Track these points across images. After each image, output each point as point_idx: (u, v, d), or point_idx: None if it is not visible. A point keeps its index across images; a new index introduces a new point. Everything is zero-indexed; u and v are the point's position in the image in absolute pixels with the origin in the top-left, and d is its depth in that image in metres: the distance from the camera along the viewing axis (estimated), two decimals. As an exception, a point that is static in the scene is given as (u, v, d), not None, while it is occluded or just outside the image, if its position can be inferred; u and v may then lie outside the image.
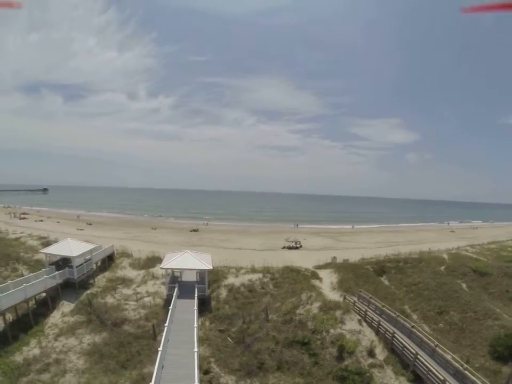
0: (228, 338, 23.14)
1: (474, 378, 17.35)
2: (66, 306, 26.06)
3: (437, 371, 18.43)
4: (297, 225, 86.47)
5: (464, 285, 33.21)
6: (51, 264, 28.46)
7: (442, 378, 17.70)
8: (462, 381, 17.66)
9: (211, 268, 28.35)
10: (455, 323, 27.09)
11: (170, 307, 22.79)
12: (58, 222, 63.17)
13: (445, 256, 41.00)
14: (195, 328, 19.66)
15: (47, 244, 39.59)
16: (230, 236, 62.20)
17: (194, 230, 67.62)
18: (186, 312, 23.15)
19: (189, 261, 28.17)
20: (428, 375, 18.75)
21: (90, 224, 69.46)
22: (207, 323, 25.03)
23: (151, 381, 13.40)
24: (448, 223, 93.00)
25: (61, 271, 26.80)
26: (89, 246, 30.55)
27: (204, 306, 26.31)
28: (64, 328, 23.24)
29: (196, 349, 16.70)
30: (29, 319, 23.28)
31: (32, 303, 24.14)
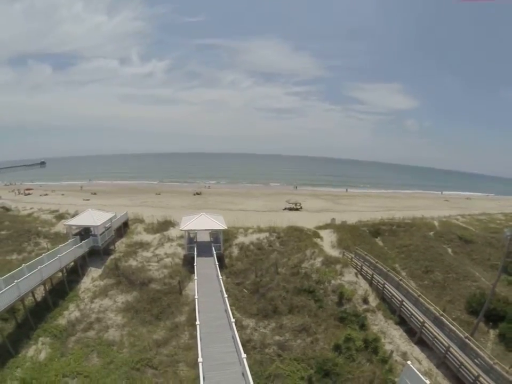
0: (244, 290, 26.27)
1: (449, 324, 21.00)
2: (94, 272, 28.75)
3: (418, 315, 22.31)
4: (296, 187, 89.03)
5: (449, 250, 36.13)
6: (75, 235, 30.77)
7: (421, 320, 21.64)
8: (440, 325, 21.33)
9: (226, 227, 31.32)
10: (438, 281, 29.99)
11: (195, 263, 25.82)
12: (63, 195, 64.63)
13: (436, 223, 44.07)
14: (220, 279, 22.99)
15: (60, 216, 41.87)
16: (233, 199, 64.73)
17: (198, 194, 69.87)
18: (207, 268, 26.21)
19: (205, 222, 31.12)
20: (411, 318, 22.69)
21: (94, 193, 71.17)
22: (224, 277, 27.84)
23: (195, 321, 16.60)
24: (442, 192, 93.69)
25: (86, 240, 29.17)
26: (109, 215, 32.86)
27: (219, 262, 29.16)
28: (97, 291, 25.98)
29: (225, 295, 20.23)
30: (64, 287, 25.72)
31: (64, 272, 26.61)
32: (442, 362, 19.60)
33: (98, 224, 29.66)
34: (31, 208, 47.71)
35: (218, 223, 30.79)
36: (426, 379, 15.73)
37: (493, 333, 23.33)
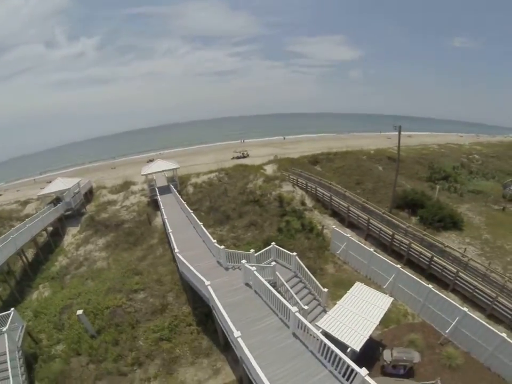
0: (201, 212, 31.99)
1: (369, 206, 27.98)
2: (73, 230, 32.82)
3: (345, 204, 29.21)
4: (243, 141, 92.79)
5: (380, 167, 43.34)
6: (48, 204, 34.43)
7: (347, 205, 28.79)
8: (363, 210, 28.17)
9: (179, 166, 37.10)
10: (368, 189, 36.52)
11: (159, 200, 30.91)
12: (18, 190, 64.65)
13: (371, 151, 51.03)
14: (182, 202, 28.44)
15: (25, 202, 43.96)
16: (184, 158, 68.63)
17: (151, 160, 72.37)
18: (169, 201, 31.34)
19: (161, 165, 36.58)
20: (339, 207, 29.86)
21: (49, 182, 71.57)
22: (183, 207, 33.55)
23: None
24: (380, 132, 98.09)
25: (61, 203, 33.14)
26: (76, 180, 36.98)
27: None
28: (80, 241, 30.27)
29: (189, 210, 25.85)
30: (50, 247, 29.76)
31: (47, 235, 30.55)
32: (367, 234, 26.75)
33: (70, 186, 33.68)
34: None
35: (173, 164, 36.64)
36: (346, 234, 23.00)
37: (414, 220, 30.19)
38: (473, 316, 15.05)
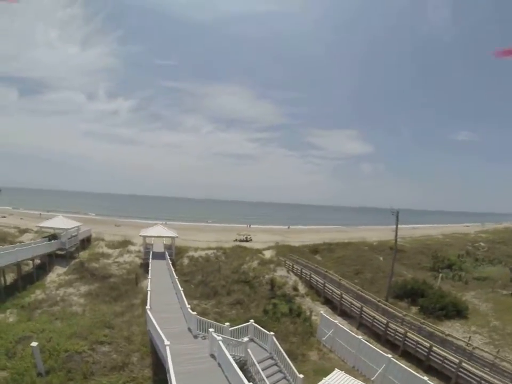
0: (191, 285, 31.54)
1: (364, 295, 27.58)
2: (59, 269, 32.55)
3: (340, 294, 28.37)
4: (249, 226, 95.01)
5: (381, 258, 43.54)
6: (43, 238, 34.91)
7: (339, 293, 28.18)
8: (357, 298, 27.57)
9: (177, 236, 37.39)
10: (367, 279, 36.07)
11: (150, 263, 30.95)
12: (21, 219, 65.75)
13: (374, 243, 51.56)
14: (172, 269, 28.33)
15: (23, 231, 44.46)
16: (187, 232, 69.41)
17: (155, 227, 73.77)
18: (160, 266, 31.31)
19: (160, 231, 37.50)
20: (333, 295, 29.21)
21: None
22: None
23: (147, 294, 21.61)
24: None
25: (56, 240, 33.54)
26: (76, 223, 37.56)
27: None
28: (63, 282, 29.85)
29: (175, 276, 25.73)
30: (32, 278, 29.43)
31: (33, 266, 30.34)
32: (360, 323, 25.50)
33: (68, 227, 34.41)
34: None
35: (171, 232, 37.19)
36: (334, 320, 22.18)
37: (414, 310, 28.93)
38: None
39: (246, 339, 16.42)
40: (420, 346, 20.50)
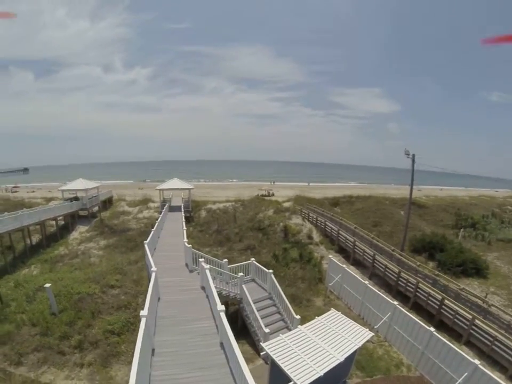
0: (206, 234, 31.79)
1: (377, 242, 26.36)
2: (82, 228, 33.93)
3: (353, 241, 27.32)
4: (273, 182, 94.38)
5: (402, 212, 41.39)
6: (65, 200, 36.23)
7: (353, 240, 27.25)
8: (370, 246, 26.46)
9: (193, 187, 38.06)
10: (385, 231, 34.74)
11: (165, 211, 31.36)
12: (49, 191, 68.50)
13: (395, 197, 49.34)
14: (183, 215, 28.77)
15: (50, 199, 46.44)
16: (210, 190, 70.05)
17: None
18: (175, 217, 31.63)
19: (177, 183, 37.83)
20: (346, 243, 28.21)
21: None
22: (191, 228, 33.40)
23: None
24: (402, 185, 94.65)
25: (77, 201, 34.76)
26: (96, 184, 38.80)
27: (188, 220, 34.58)
28: (84, 239, 31.17)
29: (183, 220, 25.88)
30: (56, 237, 31.11)
31: (57, 226, 31.90)
32: (372, 273, 24.57)
33: (88, 187, 35.59)
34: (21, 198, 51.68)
35: (187, 184, 37.64)
36: (342, 265, 21.22)
37: (431, 265, 27.52)
38: (489, 373, 11.78)
39: (241, 274, 16.07)
40: (431, 298, 19.07)
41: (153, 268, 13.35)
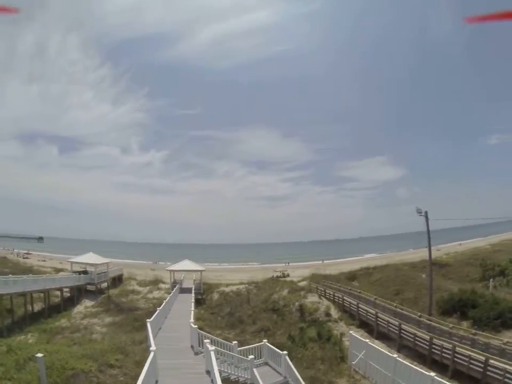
0: (218, 317, 30.03)
1: (401, 311, 24.39)
2: (88, 303, 32.73)
3: (375, 313, 25.08)
4: (288, 263, 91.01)
5: (423, 275, 37.72)
6: (74, 272, 35.84)
7: (374, 312, 25.00)
8: (394, 315, 24.28)
9: (205, 269, 36.66)
10: (409, 298, 32.00)
11: (175, 292, 30.31)
12: (60, 263, 67.97)
13: (415, 261, 45.63)
14: (193, 296, 27.38)
15: (58, 270, 45.59)
16: (224, 273, 68.38)
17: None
18: (185, 298, 30.21)
19: (188, 265, 37.10)
20: (368, 316, 25.84)
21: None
22: (202, 311, 31.62)
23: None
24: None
25: (85, 275, 34.24)
26: (106, 260, 38.42)
27: (200, 302, 32.96)
28: (88, 313, 29.88)
29: (192, 301, 24.63)
30: (59, 308, 30.15)
31: (61, 298, 30.98)
32: (400, 344, 21.88)
33: (98, 262, 35.33)
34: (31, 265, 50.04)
35: (198, 266, 36.45)
36: (365, 339, 19.48)
37: (466, 324, 24.20)
38: None
39: (251, 357, 14.50)
40: (473, 361, 16.39)
41: (152, 347, 12.36)
